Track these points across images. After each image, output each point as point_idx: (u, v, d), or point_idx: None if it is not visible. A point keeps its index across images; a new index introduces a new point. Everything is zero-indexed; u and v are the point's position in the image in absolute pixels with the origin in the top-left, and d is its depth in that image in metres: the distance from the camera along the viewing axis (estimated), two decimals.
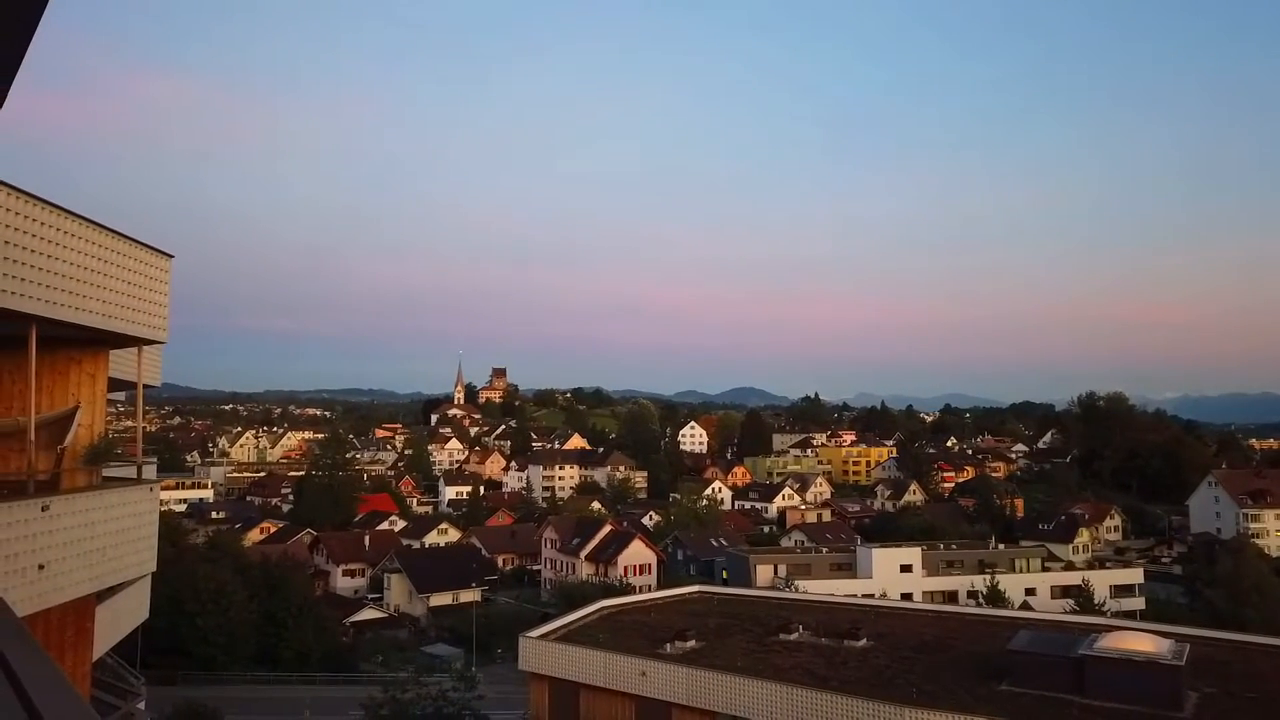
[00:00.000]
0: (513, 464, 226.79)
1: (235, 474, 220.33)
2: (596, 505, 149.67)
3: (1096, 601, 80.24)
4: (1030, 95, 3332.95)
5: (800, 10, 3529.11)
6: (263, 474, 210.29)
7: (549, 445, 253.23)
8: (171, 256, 15.97)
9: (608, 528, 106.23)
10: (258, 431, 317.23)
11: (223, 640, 65.95)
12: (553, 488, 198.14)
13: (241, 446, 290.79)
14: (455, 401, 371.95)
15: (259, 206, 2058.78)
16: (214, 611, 65.51)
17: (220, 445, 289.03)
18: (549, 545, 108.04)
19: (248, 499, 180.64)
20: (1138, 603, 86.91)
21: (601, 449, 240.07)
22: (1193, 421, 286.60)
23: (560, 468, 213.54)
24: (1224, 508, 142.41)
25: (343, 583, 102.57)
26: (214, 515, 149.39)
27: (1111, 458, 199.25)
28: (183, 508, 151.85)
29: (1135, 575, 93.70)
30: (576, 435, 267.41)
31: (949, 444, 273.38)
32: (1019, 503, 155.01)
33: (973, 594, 78.98)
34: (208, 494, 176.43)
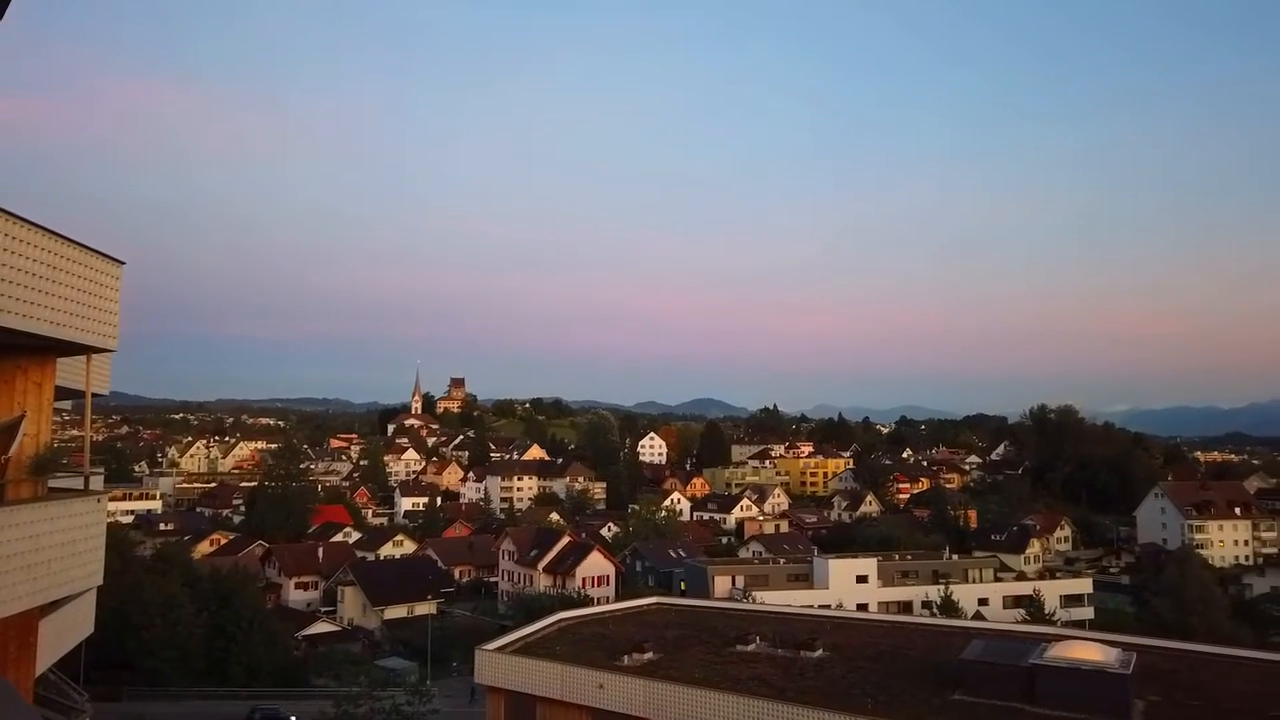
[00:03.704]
0: (470, 475, 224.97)
1: (185, 484, 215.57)
2: (555, 516, 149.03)
3: (1047, 611, 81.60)
4: (991, 112, 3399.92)
5: (765, 17, 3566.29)
6: (214, 484, 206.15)
7: (507, 456, 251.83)
8: (122, 263, 15.67)
9: (566, 539, 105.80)
10: (209, 441, 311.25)
11: (170, 654, 64.48)
12: (511, 499, 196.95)
13: (192, 456, 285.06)
14: (412, 411, 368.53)
15: (211, 211, 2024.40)
16: (161, 625, 64.05)
17: (170, 455, 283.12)
18: (506, 557, 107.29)
19: (198, 510, 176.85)
20: (1087, 612, 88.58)
21: (560, 460, 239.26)
22: (1140, 434, 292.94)
23: (519, 478, 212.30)
24: (1170, 519, 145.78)
25: (295, 595, 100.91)
26: (163, 527, 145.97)
27: (1062, 469, 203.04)
28: (130, 519, 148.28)
29: (1085, 585, 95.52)
30: (535, 446, 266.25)
31: (905, 455, 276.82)
32: (972, 514, 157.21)
33: (927, 604, 80.00)
34: (156, 505, 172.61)
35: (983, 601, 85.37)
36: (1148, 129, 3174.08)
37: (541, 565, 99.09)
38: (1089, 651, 28.31)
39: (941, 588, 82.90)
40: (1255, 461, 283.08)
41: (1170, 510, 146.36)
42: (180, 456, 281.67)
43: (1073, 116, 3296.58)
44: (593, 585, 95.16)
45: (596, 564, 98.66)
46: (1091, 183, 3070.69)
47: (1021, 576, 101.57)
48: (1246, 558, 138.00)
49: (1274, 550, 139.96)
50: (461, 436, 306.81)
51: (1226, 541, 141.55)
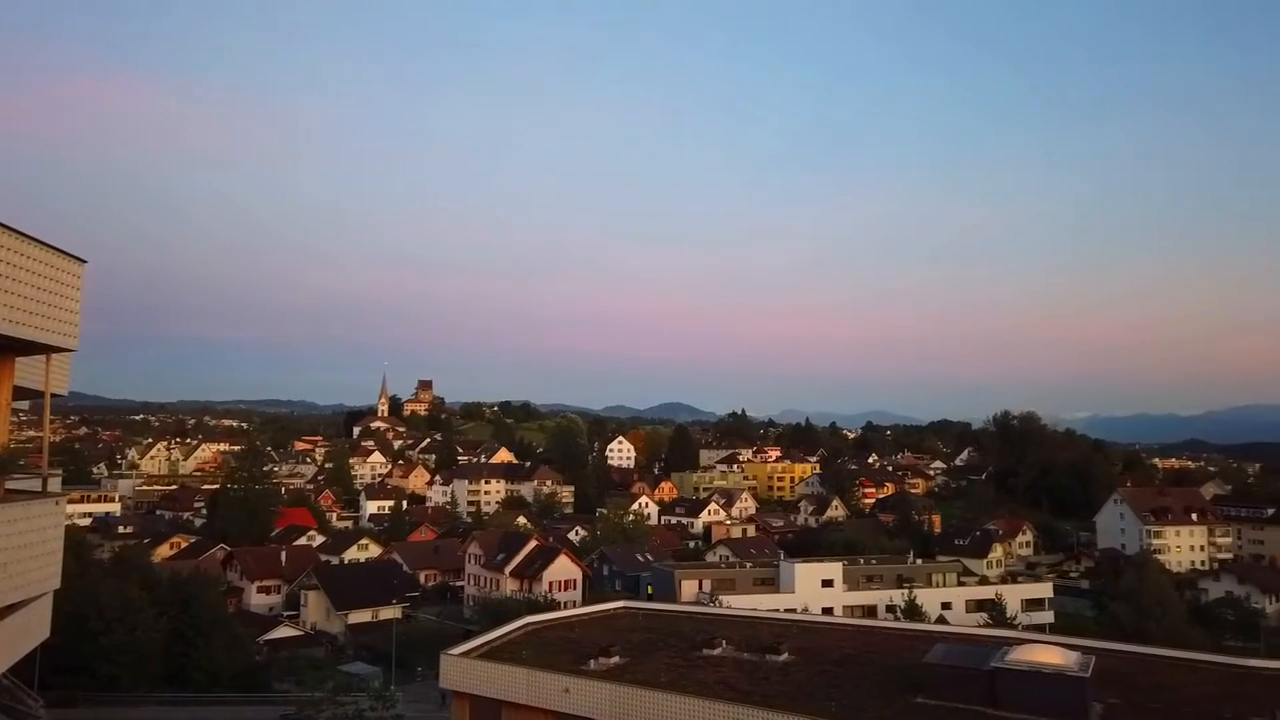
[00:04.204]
0: (437, 478, 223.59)
1: (145, 487, 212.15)
2: (522, 520, 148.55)
3: (1009, 615, 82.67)
4: (962, 124, 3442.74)
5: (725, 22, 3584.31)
6: (174, 487, 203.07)
7: (475, 459, 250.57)
8: (84, 262, 15.46)
9: (533, 543, 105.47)
10: (170, 443, 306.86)
11: (128, 659, 63.29)
12: (478, 502, 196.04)
13: (152, 458, 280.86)
14: (379, 414, 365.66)
15: (173, 211, 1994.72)
16: (119, 629, 62.85)
17: (130, 457, 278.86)
18: (473, 561, 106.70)
19: (158, 513, 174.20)
20: (1047, 616, 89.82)
21: (529, 463, 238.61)
22: (1101, 441, 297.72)
23: (486, 482, 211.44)
24: (1129, 524, 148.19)
25: (257, 600, 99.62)
26: (121, 529, 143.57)
27: (1025, 475, 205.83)
28: (88, 522, 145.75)
29: (1045, 589, 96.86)
30: (503, 449, 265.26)
31: (871, 460, 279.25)
32: (937, 518, 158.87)
33: (891, 608, 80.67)
34: (115, 507, 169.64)
35: (946, 605, 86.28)
36: (1112, 141, 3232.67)
37: (508, 569, 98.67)
38: (1049, 655, 28.73)
39: (906, 592, 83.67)
40: (1212, 468, 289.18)
41: (1129, 516, 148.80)
42: (140, 458, 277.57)
43: (1039, 128, 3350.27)
44: (560, 589, 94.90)
45: (564, 568, 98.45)
46: (1058, 195, 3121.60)
47: (984, 581, 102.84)
48: (1203, 563, 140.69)
49: (1229, 556, 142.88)
50: (429, 439, 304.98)
51: (1183, 547, 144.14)
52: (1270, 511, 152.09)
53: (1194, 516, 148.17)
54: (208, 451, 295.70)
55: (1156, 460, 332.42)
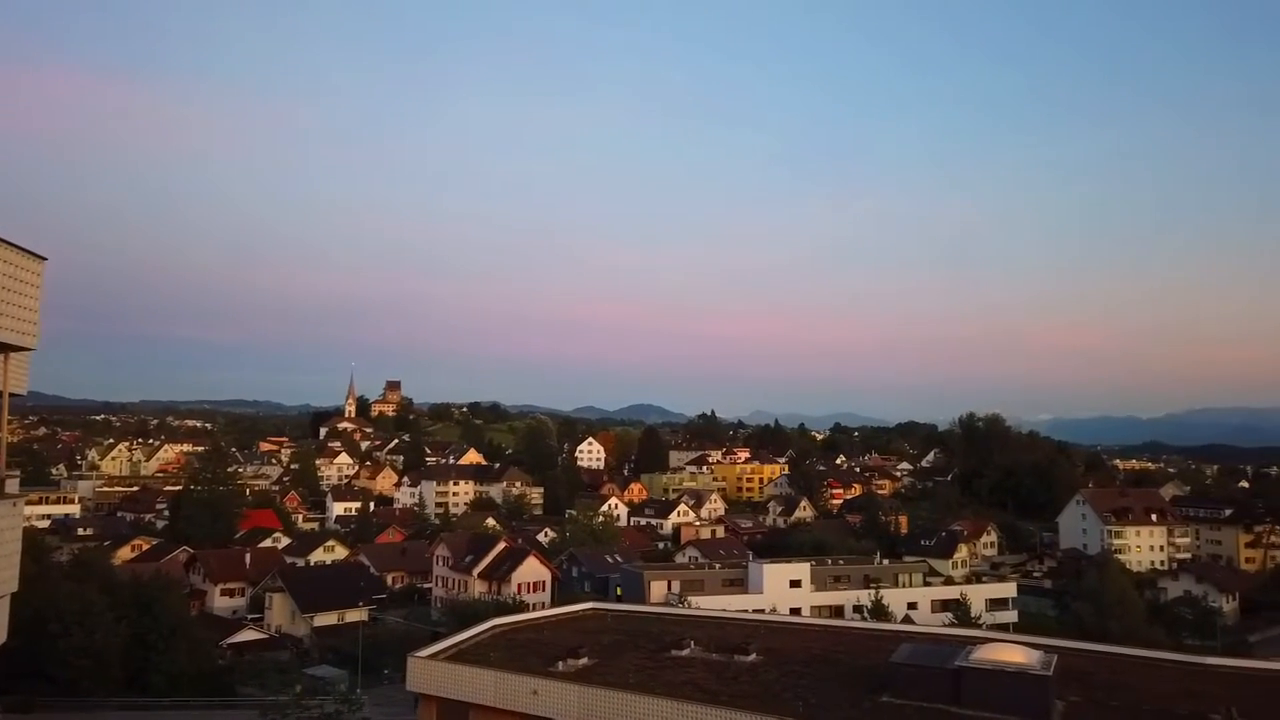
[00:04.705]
0: (405, 479, 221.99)
1: (106, 488, 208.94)
2: (491, 522, 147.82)
3: (973, 614, 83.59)
4: (925, 132, 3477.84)
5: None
6: (136, 488, 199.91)
7: (443, 460, 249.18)
8: (44, 259, 15.20)
9: (502, 544, 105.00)
10: (131, 443, 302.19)
11: (87, 664, 62.15)
12: (446, 504, 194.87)
13: (114, 459, 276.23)
14: (346, 415, 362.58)
15: (139, 208, 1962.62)
16: (78, 633, 61.70)
17: (90, 458, 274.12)
18: (441, 563, 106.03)
19: (119, 515, 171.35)
20: (1011, 615, 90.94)
21: (498, 464, 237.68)
22: (1064, 442, 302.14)
23: (455, 483, 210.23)
24: (1090, 524, 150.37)
25: (221, 602, 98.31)
26: (81, 532, 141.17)
27: (989, 476, 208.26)
28: (47, 524, 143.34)
29: (1009, 589, 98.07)
30: (472, 450, 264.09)
31: (839, 462, 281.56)
32: (903, 519, 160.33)
33: (858, 608, 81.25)
34: (75, 509, 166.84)
35: (912, 605, 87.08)
36: (1070, 144, 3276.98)
37: (476, 571, 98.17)
38: (1012, 654, 29.13)
39: (872, 592, 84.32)
40: (1171, 470, 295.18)
41: (1090, 516, 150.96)
42: (101, 459, 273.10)
43: (998, 133, 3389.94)
44: (528, 591, 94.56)
45: (532, 569, 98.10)
46: (1025, 204, 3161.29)
47: (949, 581, 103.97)
48: (1162, 563, 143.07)
49: (1188, 556, 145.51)
50: (396, 440, 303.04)
51: (1143, 547, 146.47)
52: (1227, 512, 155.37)
53: (1154, 517, 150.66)
54: (170, 452, 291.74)
55: (1118, 462, 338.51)
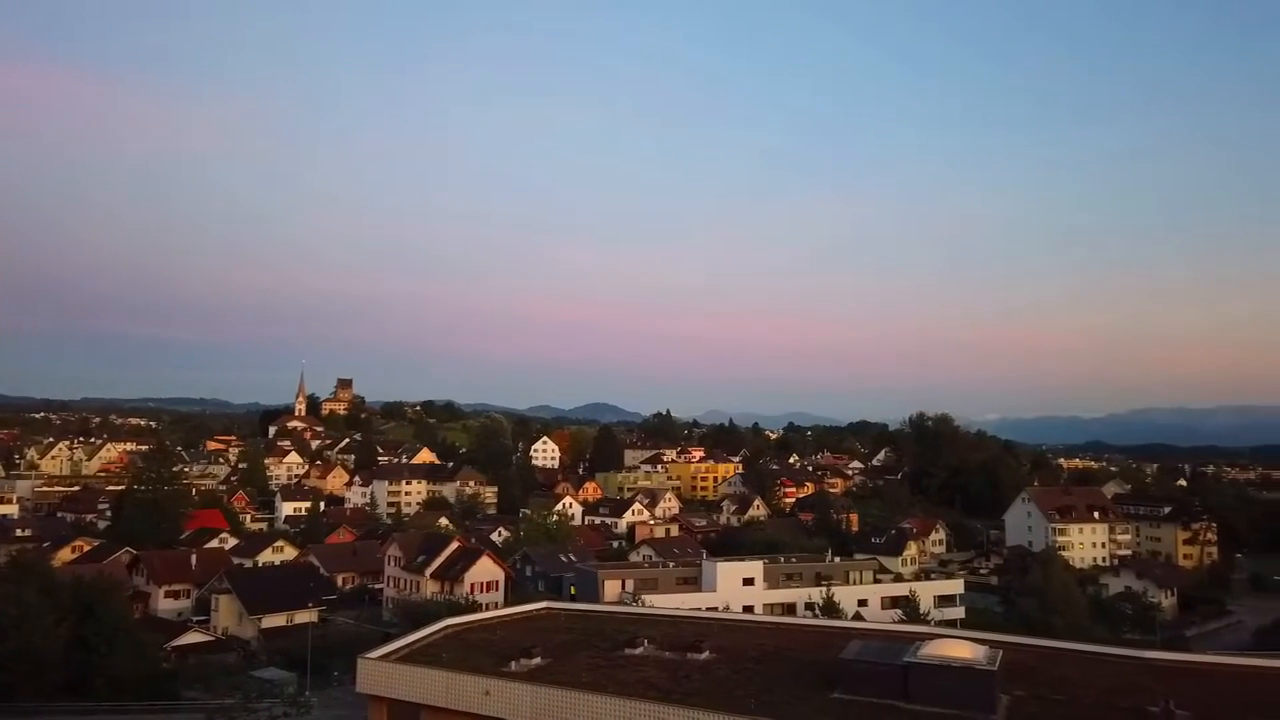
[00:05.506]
0: (356, 479, 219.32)
1: (45, 488, 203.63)
2: (444, 521, 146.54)
3: (922, 611, 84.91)
4: (867, 132, 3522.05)
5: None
6: (77, 488, 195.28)
7: (396, 459, 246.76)
8: None
9: (455, 544, 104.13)
10: (72, 442, 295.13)
11: (25, 668, 60.43)
12: (398, 504, 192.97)
13: (53, 458, 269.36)
14: (296, 413, 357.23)
15: (81, 203, 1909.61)
16: (15, 637, 60.00)
17: (29, 457, 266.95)
18: (392, 563, 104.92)
19: (59, 515, 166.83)
20: (959, 612, 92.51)
21: (451, 464, 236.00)
22: (1010, 442, 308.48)
23: (407, 483, 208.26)
24: (1035, 522, 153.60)
25: (165, 604, 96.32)
26: (19, 533, 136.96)
27: (938, 475, 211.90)
28: None
29: (956, 586, 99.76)
30: (425, 449, 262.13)
31: (791, 461, 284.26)
32: (854, 517, 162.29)
33: (810, 606, 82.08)
34: (12, 509, 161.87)
35: (862, 603, 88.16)
36: (1012, 147, 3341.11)
37: (429, 571, 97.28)
38: (959, 649, 29.67)
39: (824, 589, 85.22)
40: (1113, 469, 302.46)
41: (1035, 514, 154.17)
42: (40, 458, 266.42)
43: (941, 134, 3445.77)
44: (482, 591, 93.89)
45: (486, 569, 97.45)
46: (968, 207, 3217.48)
47: (899, 578, 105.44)
48: (1104, 559, 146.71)
49: (1128, 552, 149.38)
50: (348, 439, 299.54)
51: (1086, 544, 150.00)
52: (1166, 510, 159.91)
53: (1096, 515, 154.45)
54: (113, 451, 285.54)
55: (1062, 460, 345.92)
